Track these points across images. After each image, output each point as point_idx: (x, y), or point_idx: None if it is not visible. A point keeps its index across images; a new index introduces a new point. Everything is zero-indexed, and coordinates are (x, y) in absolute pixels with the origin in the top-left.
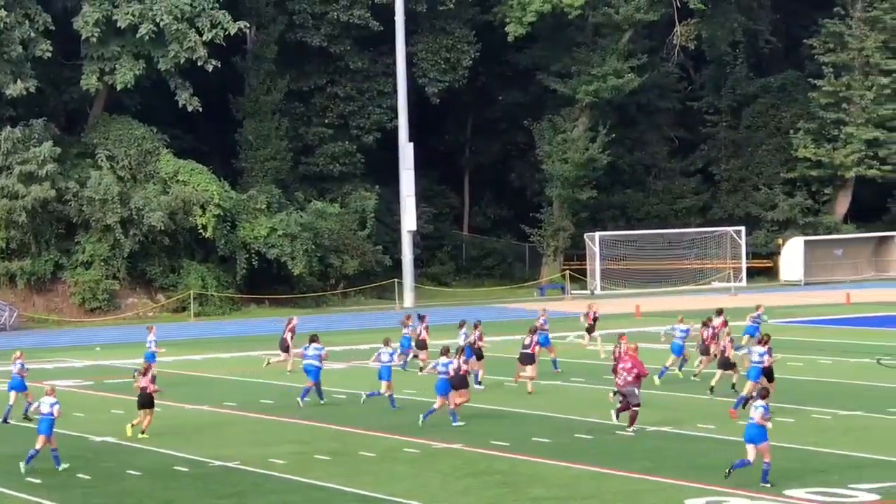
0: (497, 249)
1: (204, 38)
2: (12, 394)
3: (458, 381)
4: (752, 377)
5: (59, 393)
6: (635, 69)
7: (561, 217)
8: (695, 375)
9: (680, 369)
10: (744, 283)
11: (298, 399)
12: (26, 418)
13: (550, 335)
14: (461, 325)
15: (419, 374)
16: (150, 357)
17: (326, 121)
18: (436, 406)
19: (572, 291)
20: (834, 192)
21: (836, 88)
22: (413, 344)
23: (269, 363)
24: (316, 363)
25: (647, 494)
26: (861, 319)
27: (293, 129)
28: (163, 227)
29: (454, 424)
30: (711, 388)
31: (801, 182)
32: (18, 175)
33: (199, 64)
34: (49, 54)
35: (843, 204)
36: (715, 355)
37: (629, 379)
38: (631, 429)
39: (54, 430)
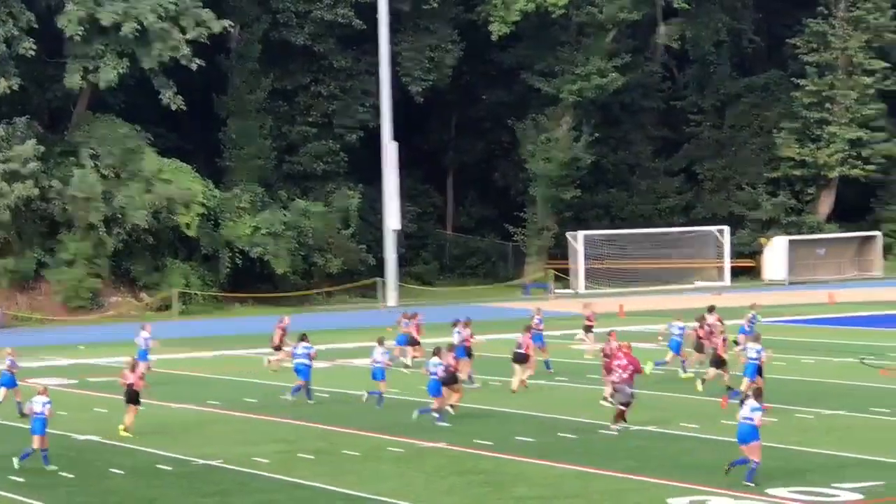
0: (481, 249)
1: (188, 36)
2: (2, 390)
3: (449, 379)
4: (749, 374)
5: None
6: (619, 68)
7: (545, 216)
8: (702, 381)
9: (684, 371)
10: (727, 282)
11: (288, 395)
12: (23, 416)
13: (544, 334)
14: (454, 325)
15: (404, 371)
16: (143, 355)
17: (310, 119)
18: (433, 407)
19: (556, 290)
20: (817, 192)
21: (820, 88)
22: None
23: (269, 363)
24: (306, 362)
25: (631, 493)
26: (844, 319)
27: (277, 127)
28: (146, 226)
29: (438, 424)
30: (703, 381)
31: (784, 182)
32: (2, 174)
33: (182, 63)
34: (33, 52)
35: (826, 203)
36: (706, 354)
37: (624, 376)
38: (615, 427)
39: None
